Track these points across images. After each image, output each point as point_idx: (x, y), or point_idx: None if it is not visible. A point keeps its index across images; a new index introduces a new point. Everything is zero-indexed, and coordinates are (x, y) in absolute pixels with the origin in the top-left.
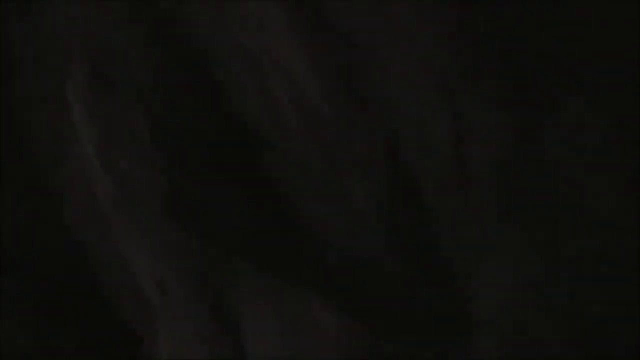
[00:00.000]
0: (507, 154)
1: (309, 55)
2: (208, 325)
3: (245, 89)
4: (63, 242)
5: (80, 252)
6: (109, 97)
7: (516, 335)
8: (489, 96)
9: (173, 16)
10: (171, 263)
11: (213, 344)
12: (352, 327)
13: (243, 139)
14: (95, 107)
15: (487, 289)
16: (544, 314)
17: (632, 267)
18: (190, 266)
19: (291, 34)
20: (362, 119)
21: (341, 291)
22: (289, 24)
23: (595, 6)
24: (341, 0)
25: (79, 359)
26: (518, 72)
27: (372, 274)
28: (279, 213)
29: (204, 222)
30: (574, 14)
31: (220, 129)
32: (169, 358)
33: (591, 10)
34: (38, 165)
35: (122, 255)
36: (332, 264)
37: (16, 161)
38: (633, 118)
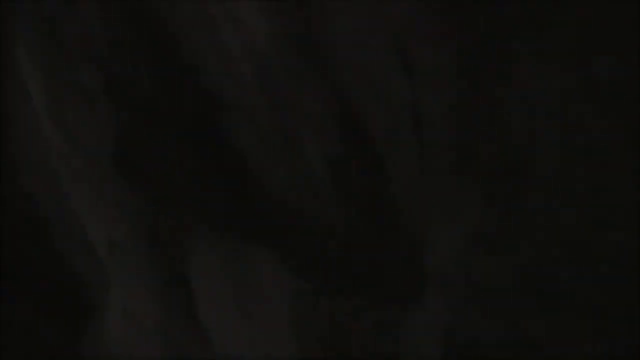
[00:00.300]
0: (461, 105)
1: (262, 10)
2: (158, 282)
3: (199, 43)
4: (17, 199)
5: (32, 208)
6: (59, 55)
7: (467, 290)
8: (441, 46)
9: None
10: (121, 219)
11: (164, 299)
12: (299, 284)
13: (196, 95)
14: (46, 65)
15: (440, 242)
16: (496, 268)
17: (585, 222)
18: (139, 223)
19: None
20: (313, 74)
21: (291, 248)
22: None
23: None
24: None
25: (29, 312)
26: (471, 23)
27: (324, 230)
28: (230, 170)
29: (154, 178)
30: None
31: (173, 86)
32: (120, 321)
33: None
34: None
35: (73, 211)
36: (283, 221)
37: None
38: (586, 70)
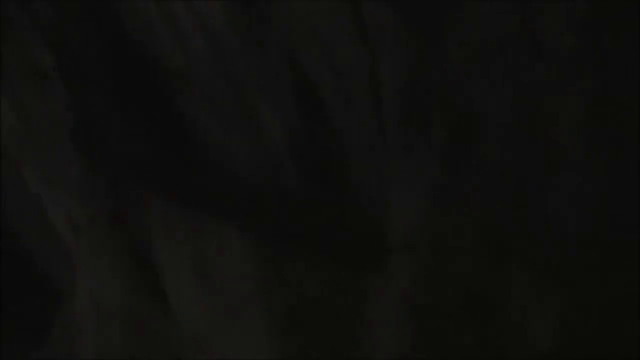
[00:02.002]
0: (415, 70)
1: None
2: (123, 261)
3: (150, 17)
4: None
5: None
6: (11, 35)
7: (432, 256)
8: (395, 6)
9: None
10: (84, 202)
11: (129, 279)
12: (262, 253)
13: (149, 70)
14: None
15: (401, 209)
16: (458, 231)
17: (537, 174)
18: (102, 204)
19: None
20: (267, 42)
21: (252, 219)
22: None
23: None
24: None
25: None
26: None
27: (283, 200)
28: (187, 144)
29: (112, 157)
30: None
31: (126, 62)
32: (87, 305)
33: None
34: None
35: (34, 195)
36: (242, 192)
37: None
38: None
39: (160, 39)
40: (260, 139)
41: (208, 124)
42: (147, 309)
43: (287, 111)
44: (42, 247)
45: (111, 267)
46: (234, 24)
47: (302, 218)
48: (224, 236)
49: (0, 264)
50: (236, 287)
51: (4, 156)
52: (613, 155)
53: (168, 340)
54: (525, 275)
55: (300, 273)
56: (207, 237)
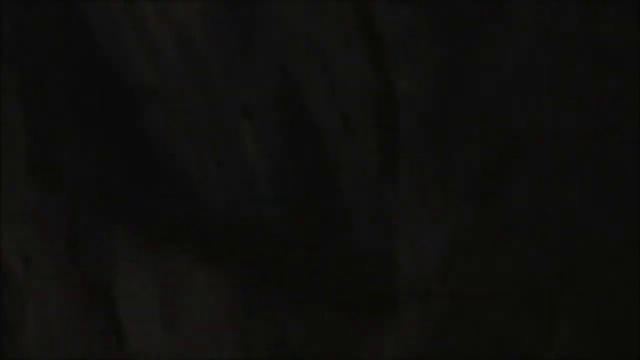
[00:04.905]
0: (444, 90)
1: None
2: (78, 292)
3: (123, 32)
4: None
5: None
6: None
7: (450, 303)
8: (413, 7)
9: None
10: (37, 231)
11: (85, 315)
12: (236, 291)
13: (118, 88)
14: None
15: (414, 251)
16: (484, 277)
17: (589, 212)
18: (57, 232)
19: None
20: (251, 53)
21: (225, 253)
22: None
23: None
24: None
25: None
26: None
27: (263, 237)
28: (154, 170)
29: (70, 181)
30: None
31: (88, 74)
32: (37, 337)
33: None
34: None
35: None
36: (215, 222)
37: None
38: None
39: (127, 48)
40: (239, 168)
41: (179, 148)
42: (101, 342)
43: (272, 137)
44: None
45: (64, 298)
46: (213, 31)
47: (287, 257)
48: (194, 272)
49: None
50: (206, 327)
51: None
52: None
53: None
54: (551, 326)
55: (282, 314)
56: (175, 272)
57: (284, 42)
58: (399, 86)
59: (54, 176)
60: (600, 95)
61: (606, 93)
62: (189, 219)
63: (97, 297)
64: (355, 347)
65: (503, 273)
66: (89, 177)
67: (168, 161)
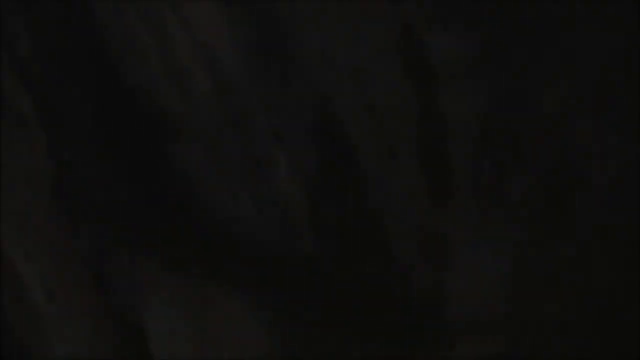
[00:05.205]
0: (496, 111)
1: (221, 13)
2: (106, 325)
3: (143, 50)
4: None
5: None
6: None
7: (522, 335)
8: (463, 32)
9: None
10: (59, 263)
11: (113, 343)
12: (271, 324)
13: (141, 114)
14: None
15: (467, 283)
16: (547, 307)
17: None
18: (82, 264)
19: (208, 4)
20: (286, 78)
21: (263, 288)
22: None
23: None
24: None
25: None
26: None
27: (300, 268)
28: (185, 202)
29: (98, 216)
30: None
31: (118, 106)
32: None
33: None
34: None
35: (9, 259)
36: (249, 258)
37: None
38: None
39: (155, 77)
40: (273, 199)
41: (210, 179)
42: None
43: (308, 165)
44: (16, 315)
45: (92, 332)
46: (246, 63)
47: (327, 291)
48: (227, 304)
49: None
50: (232, 352)
51: None
52: None
53: None
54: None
55: (323, 350)
56: (207, 305)
57: (320, 65)
58: (449, 110)
59: (80, 208)
60: None
61: None
62: (221, 251)
63: (129, 332)
64: None
65: (569, 298)
66: (117, 209)
67: (199, 193)
